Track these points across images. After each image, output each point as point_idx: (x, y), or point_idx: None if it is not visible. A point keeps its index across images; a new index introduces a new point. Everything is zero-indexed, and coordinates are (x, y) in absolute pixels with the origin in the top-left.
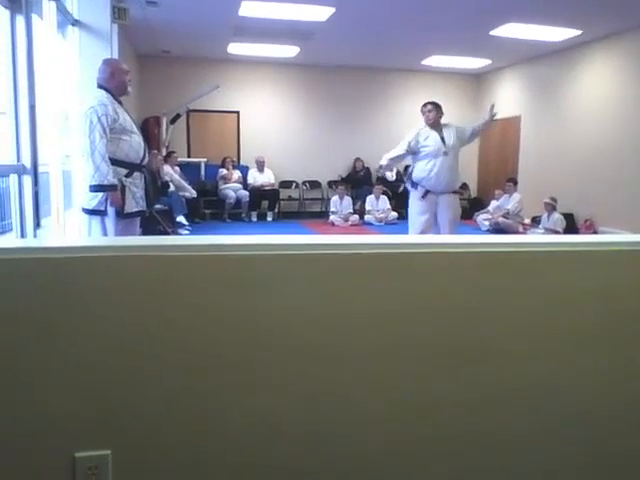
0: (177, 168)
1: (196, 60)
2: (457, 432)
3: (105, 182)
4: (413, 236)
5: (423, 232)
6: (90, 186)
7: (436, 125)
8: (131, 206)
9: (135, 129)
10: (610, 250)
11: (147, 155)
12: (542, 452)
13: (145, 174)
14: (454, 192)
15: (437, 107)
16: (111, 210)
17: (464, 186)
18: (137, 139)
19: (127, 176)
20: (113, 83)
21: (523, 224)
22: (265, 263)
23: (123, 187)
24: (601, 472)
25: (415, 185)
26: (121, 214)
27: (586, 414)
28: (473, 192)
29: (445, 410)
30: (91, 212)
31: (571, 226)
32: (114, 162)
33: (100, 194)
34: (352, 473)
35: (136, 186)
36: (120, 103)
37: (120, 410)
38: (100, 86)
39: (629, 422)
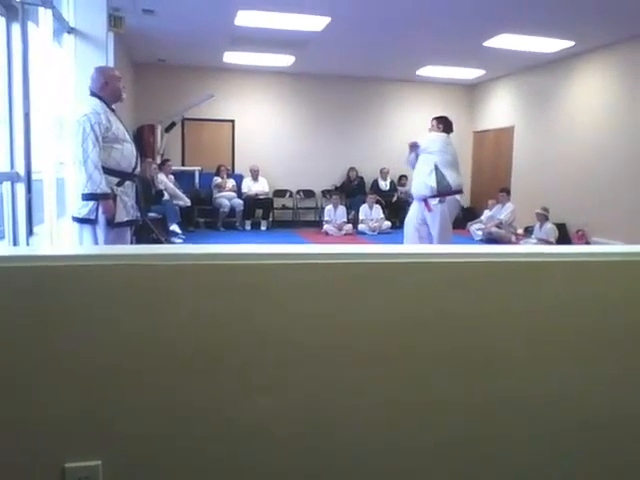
0: (171, 176)
1: (192, 69)
2: (456, 439)
3: (98, 191)
4: (406, 246)
5: (412, 238)
6: (82, 194)
7: None
8: (122, 215)
9: (127, 137)
10: (604, 261)
11: (139, 164)
12: (541, 460)
13: (137, 183)
14: (424, 202)
15: (436, 123)
16: (102, 219)
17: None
18: (129, 147)
19: (118, 185)
20: (107, 91)
21: (516, 234)
22: (259, 272)
23: (114, 196)
24: (601, 479)
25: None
26: (112, 223)
27: (585, 421)
28: (466, 202)
29: (444, 417)
30: (82, 221)
31: (564, 236)
32: (105, 171)
33: (91, 203)
34: (352, 477)
35: (127, 195)
36: (113, 111)
37: (111, 420)
38: (93, 94)
39: (627, 430)
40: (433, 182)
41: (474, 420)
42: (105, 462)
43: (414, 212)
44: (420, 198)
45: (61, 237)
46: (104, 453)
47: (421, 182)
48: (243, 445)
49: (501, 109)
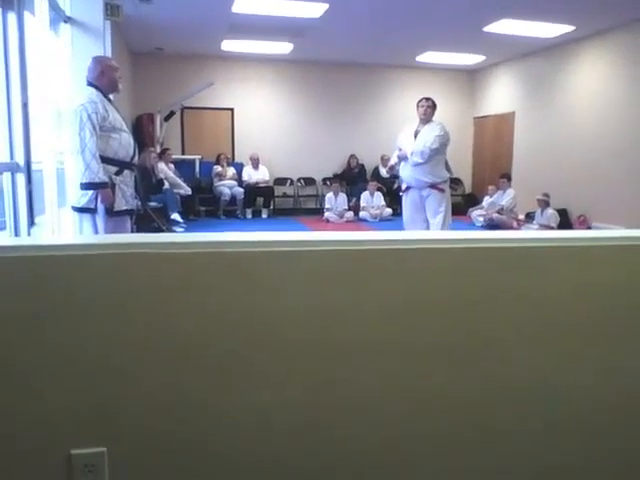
0: (171, 165)
1: (190, 57)
2: (457, 429)
3: (96, 180)
4: (407, 232)
5: (410, 227)
6: (81, 184)
7: (425, 121)
8: (120, 204)
9: (125, 127)
10: (606, 245)
11: (137, 153)
12: (542, 449)
13: (135, 172)
14: (433, 187)
15: (434, 105)
16: (101, 208)
17: (456, 181)
18: (127, 137)
19: (117, 174)
20: (103, 81)
21: (517, 220)
22: (261, 260)
23: (113, 185)
24: (601, 469)
25: (401, 180)
26: (111, 212)
27: (586, 410)
28: (467, 188)
29: (445, 407)
30: (81, 210)
31: (565, 222)
32: (103, 160)
33: (90, 192)
34: (351, 470)
35: (126, 184)
36: (110, 101)
37: (116, 407)
38: (90, 84)
39: (629, 418)
40: (446, 174)
41: (475, 409)
42: (110, 449)
43: (414, 205)
44: (425, 186)
45: (62, 227)
46: (109, 440)
47: (429, 174)
48: (243, 436)
49: (502, 95)
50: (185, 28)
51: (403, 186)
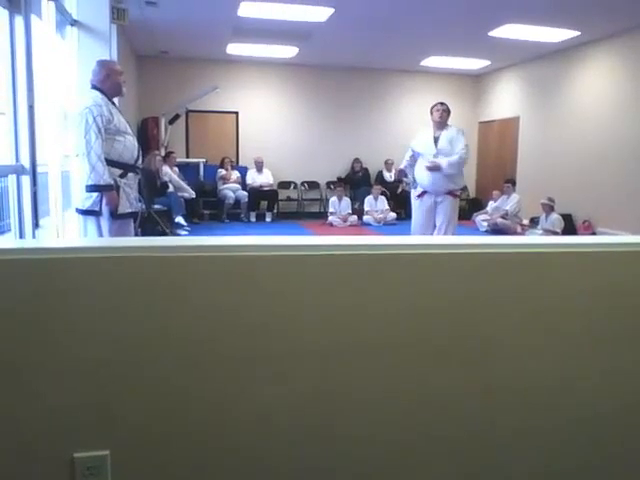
0: (176, 168)
1: (195, 61)
2: (457, 430)
3: (101, 182)
4: (411, 237)
5: (420, 231)
6: (86, 186)
7: (440, 126)
8: (125, 207)
9: (129, 130)
10: (610, 251)
11: (141, 156)
12: (542, 450)
13: (140, 175)
14: (449, 193)
15: (449, 109)
16: (105, 210)
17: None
18: (131, 140)
19: (121, 177)
20: (107, 84)
21: (521, 225)
22: (264, 264)
23: (117, 188)
24: (602, 470)
25: (415, 184)
26: (115, 215)
27: (587, 412)
28: (472, 193)
29: (445, 409)
30: (85, 212)
31: (569, 227)
32: (108, 163)
33: (94, 194)
34: (352, 469)
35: (130, 187)
36: (114, 104)
37: (119, 410)
38: (94, 87)
39: (631, 420)
40: (463, 181)
41: (476, 411)
42: (113, 452)
43: (428, 211)
44: (442, 192)
45: (67, 229)
46: (112, 443)
47: (450, 182)
48: (245, 437)
49: (506, 99)
50: (190, 31)
51: (417, 191)
